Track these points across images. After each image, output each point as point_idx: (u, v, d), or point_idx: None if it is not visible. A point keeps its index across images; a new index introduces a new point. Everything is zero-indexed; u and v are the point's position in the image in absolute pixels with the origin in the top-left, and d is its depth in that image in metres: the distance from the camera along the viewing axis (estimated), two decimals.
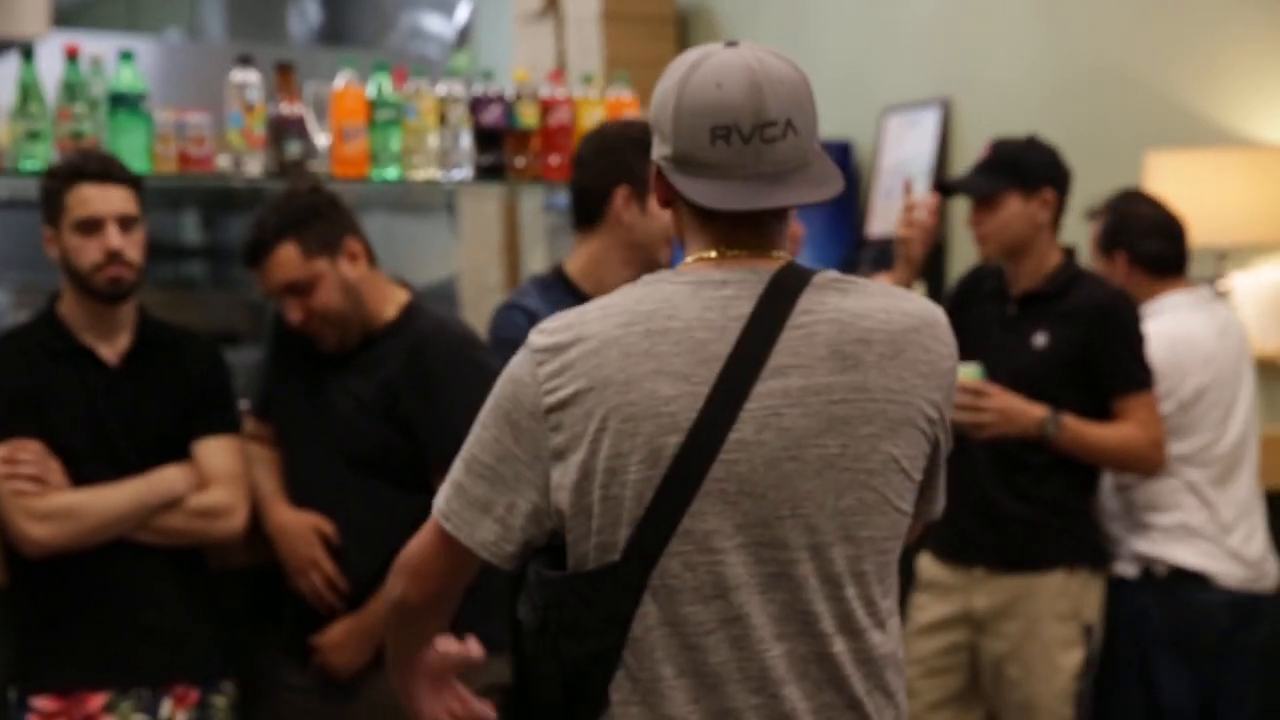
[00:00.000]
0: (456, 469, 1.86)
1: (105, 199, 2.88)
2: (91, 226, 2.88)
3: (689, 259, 1.84)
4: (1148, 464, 3.47)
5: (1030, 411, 3.38)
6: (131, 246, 2.90)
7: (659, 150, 1.82)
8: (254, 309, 6.87)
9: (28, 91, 3.36)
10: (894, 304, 1.84)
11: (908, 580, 3.64)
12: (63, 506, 2.85)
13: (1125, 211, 3.75)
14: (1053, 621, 3.45)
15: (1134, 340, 3.45)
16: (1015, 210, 3.46)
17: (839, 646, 1.78)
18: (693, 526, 1.74)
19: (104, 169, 2.92)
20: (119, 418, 2.93)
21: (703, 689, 1.76)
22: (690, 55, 1.81)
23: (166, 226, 7.55)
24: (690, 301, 1.78)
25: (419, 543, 1.90)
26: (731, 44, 1.81)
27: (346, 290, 2.98)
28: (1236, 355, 3.68)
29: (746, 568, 1.75)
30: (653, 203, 3.06)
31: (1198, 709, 3.59)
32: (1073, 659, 3.46)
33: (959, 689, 3.57)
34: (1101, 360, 3.44)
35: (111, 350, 2.96)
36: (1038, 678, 3.45)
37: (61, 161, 3.00)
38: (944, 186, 3.71)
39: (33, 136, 3.36)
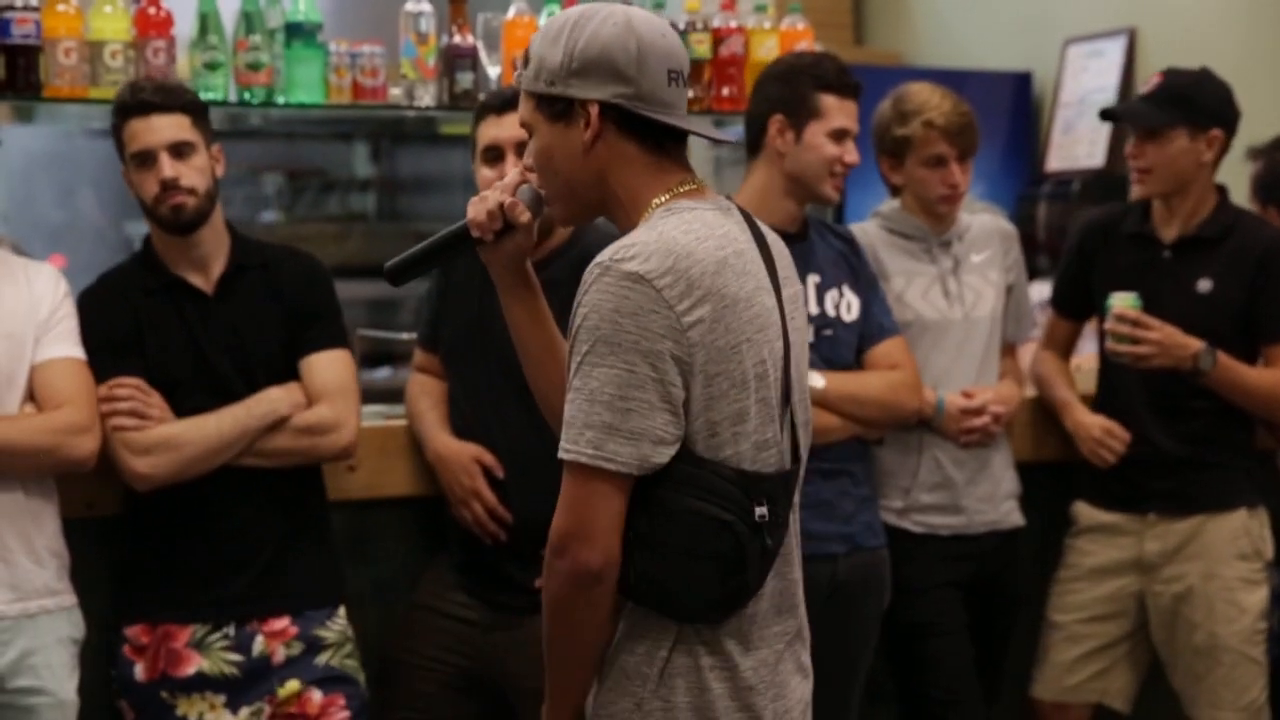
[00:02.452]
0: (589, 408, 1.96)
1: (152, 130, 2.87)
2: (145, 159, 2.88)
3: (668, 191, 2.02)
4: None
5: (1188, 344, 3.30)
6: (190, 173, 2.88)
7: (612, 90, 1.98)
8: (421, 240, 6.91)
9: (207, 22, 3.39)
10: None
11: (1065, 525, 3.56)
12: (162, 438, 2.85)
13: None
14: (1234, 561, 3.39)
15: None
16: (1181, 147, 3.35)
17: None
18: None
19: (148, 100, 2.89)
20: (219, 346, 2.93)
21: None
22: (604, 6, 2.01)
23: (338, 158, 7.64)
24: (732, 227, 2.03)
25: (580, 500, 1.95)
26: (627, 2, 2.09)
27: None
28: None
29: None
30: (809, 134, 3.06)
31: None
32: (1257, 598, 3.40)
33: (1123, 635, 3.49)
34: (1259, 305, 3.35)
35: (205, 279, 2.96)
36: (1221, 619, 3.37)
37: (117, 96, 2.99)
38: (1110, 113, 3.57)
39: (211, 67, 3.39)
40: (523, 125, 2.06)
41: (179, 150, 2.88)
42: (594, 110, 1.99)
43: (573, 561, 1.93)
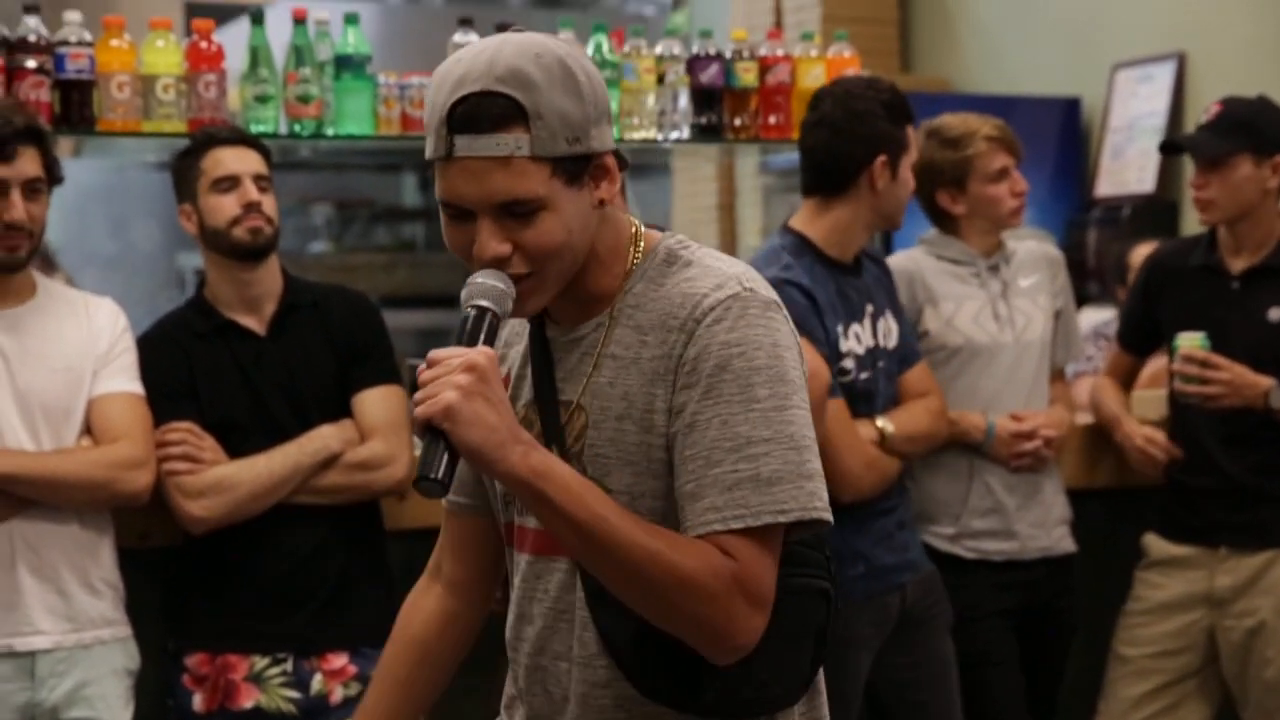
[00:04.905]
0: (799, 458, 1.65)
1: (241, 159, 2.97)
2: (229, 183, 2.95)
3: (630, 230, 1.76)
4: None
5: (1258, 382, 3.27)
6: (268, 203, 2.96)
7: (611, 132, 1.72)
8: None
9: (257, 55, 3.42)
10: None
11: (1135, 557, 3.53)
12: (215, 480, 2.87)
13: None
14: None
15: None
16: (1246, 174, 3.32)
17: None
18: None
19: (237, 134, 3.04)
20: (272, 385, 2.95)
21: None
22: (546, 38, 1.69)
23: (386, 189, 7.70)
24: None
25: (768, 569, 1.65)
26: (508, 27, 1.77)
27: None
28: None
29: None
30: (902, 169, 3.03)
31: None
32: None
33: (1194, 669, 3.44)
34: None
35: (258, 320, 2.99)
36: None
37: (192, 138, 3.10)
38: (1171, 145, 3.55)
39: (262, 100, 3.42)
40: (513, 203, 1.63)
41: (260, 182, 2.97)
42: (612, 161, 1.70)
43: (752, 628, 1.64)
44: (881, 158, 3.01)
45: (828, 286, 3.01)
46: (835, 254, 3.05)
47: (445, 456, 1.58)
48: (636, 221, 1.77)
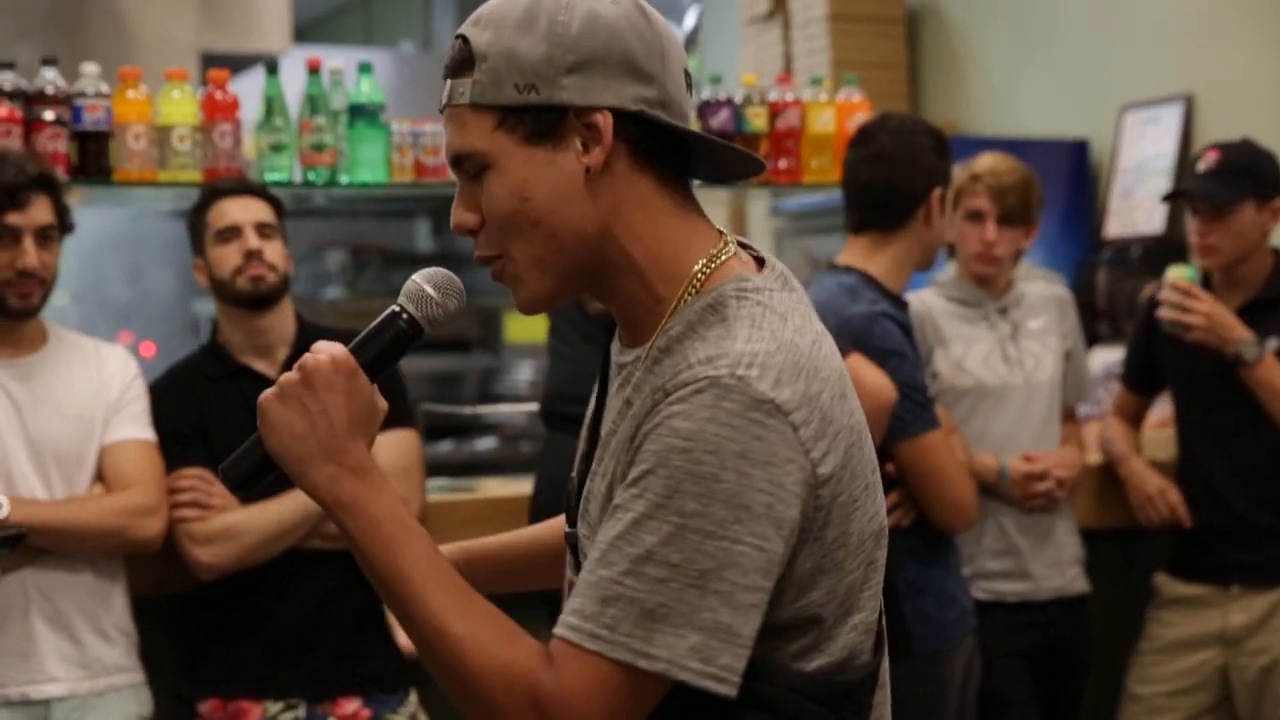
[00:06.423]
0: (698, 601, 1.29)
1: (242, 208, 3.00)
2: (231, 233, 2.98)
3: (706, 255, 1.41)
4: None
5: (1235, 327, 3.30)
6: (272, 251, 2.98)
7: (630, 92, 1.37)
8: (484, 316, 6.98)
9: (272, 105, 3.45)
10: None
11: (1147, 597, 3.52)
12: (223, 527, 2.88)
13: None
14: None
15: None
16: (1250, 220, 3.36)
17: None
18: None
19: (241, 184, 3.07)
20: None
21: None
22: None
23: (400, 235, 7.74)
24: (811, 313, 1.44)
25: (601, 706, 1.29)
26: None
27: None
28: None
29: None
30: (948, 203, 3.02)
31: None
32: None
33: (1207, 707, 3.44)
34: None
35: (270, 364, 3.00)
36: None
37: (207, 185, 3.14)
38: (1180, 194, 3.57)
39: (277, 149, 3.45)
40: (458, 159, 1.40)
41: (264, 230, 2.99)
42: (605, 121, 1.36)
43: None
44: (938, 191, 2.97)
45: (903, 323, 2.97)
46: (898, 290, 3.00)
47: (254, 456, 1.50)
48: (731, 243, 1.42)
